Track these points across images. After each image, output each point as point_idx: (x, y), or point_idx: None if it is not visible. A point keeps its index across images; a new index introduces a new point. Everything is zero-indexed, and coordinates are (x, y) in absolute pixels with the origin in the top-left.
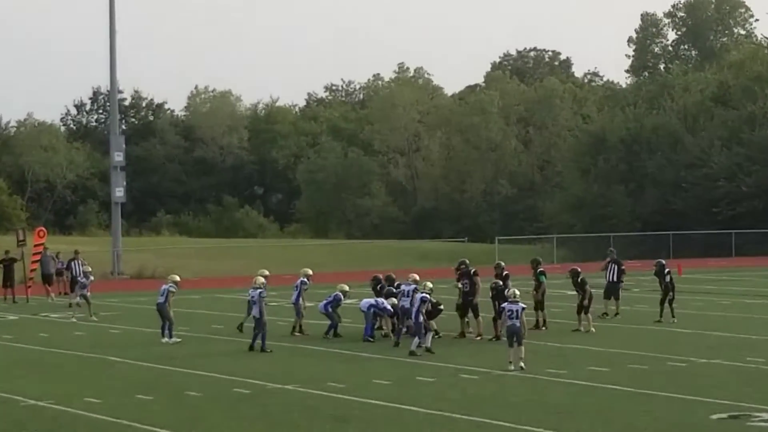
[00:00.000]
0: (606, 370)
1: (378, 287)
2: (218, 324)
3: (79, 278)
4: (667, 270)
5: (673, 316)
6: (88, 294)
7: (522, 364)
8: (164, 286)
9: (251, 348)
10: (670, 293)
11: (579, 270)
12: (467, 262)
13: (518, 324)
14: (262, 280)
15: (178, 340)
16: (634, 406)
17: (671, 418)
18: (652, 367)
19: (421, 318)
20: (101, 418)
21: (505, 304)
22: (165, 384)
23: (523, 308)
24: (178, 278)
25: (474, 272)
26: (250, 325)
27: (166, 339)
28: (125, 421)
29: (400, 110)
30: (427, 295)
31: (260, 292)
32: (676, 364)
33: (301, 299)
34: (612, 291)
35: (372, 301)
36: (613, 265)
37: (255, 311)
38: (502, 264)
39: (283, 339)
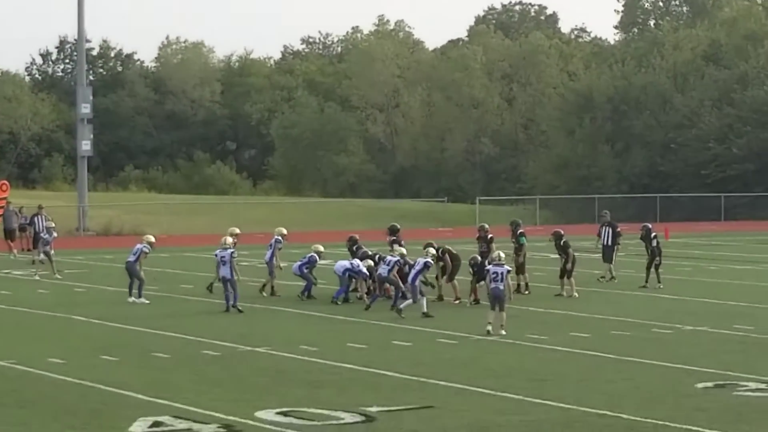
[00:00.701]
0: (588, 336)
1: (354, 248)
2: (188, 284)
3: (41, 234)
4: (653, 234)
5: (659, 282)
6: (51, 251)
7: (503, 330)
8: (138, 246)
9: (228, 310)
10: (657, 258)
11: (562, 233)
12: (435, 244)
13: (502, 287)
14: (231, 239)
15: (146, 301)
16: (616, 374)
17: (655, 386)
18: (636, 334)
19: (418, 282)
20: (65, 379)
21: (490, 266)
22: (131, 345)
23: (508, 271)
24: (153, 239)
25: (443, 251)
26: (220, 286)
27: (133, 299)
28: (89, 383)
29: (379, 64)
30: (431, 261)
31: (231, 252)
32: (661, 331)
33: (274, 259)
34: (606, 254)
35: (347, 264)
36: (608, 228)
37: (225, 272)
38: (486, 226)
39: (255, 300)
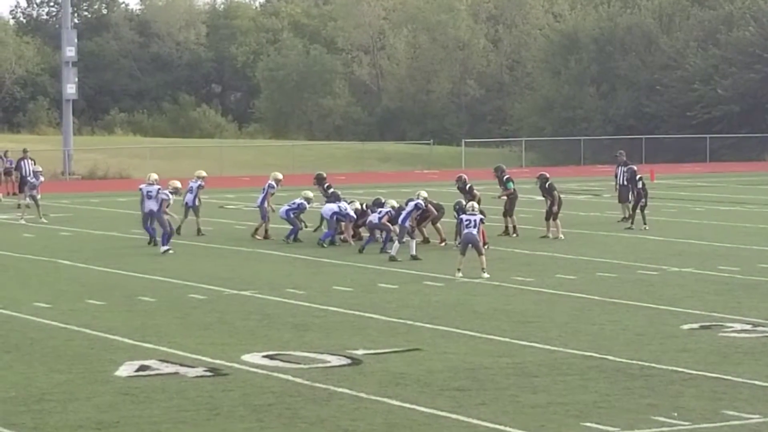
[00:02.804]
0: (574, 278)
1: (324, 186)
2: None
3: (28, 178)
4: (639, 176)
5: (645, 223)
6: (38, 195)
7: (485, 273)
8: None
9: (152, 243)
10: (642, 200)
11: (547, 175)
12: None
13: (474, 232)
14: (155, 176)
15: (170, 250)
16: (602, 315)
17: (641, 327)
18: (622, 276)
19: (408, 224)
20: (51, 324)
21: (463, 215)
22: (117, 289)
23: (482, 219)
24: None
25: (425, 202)
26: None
27: (162, 247)
28: (75, 327)
29: (364, 6)
30: (422, 203)
31: (159, 189)
32: (647, 272)
33: (266, 203)
34: (624, 194)
35: (335, 207)
36: (623, 168)
37: (152, 205)
38: (464, 177)
39: (242, 243)
